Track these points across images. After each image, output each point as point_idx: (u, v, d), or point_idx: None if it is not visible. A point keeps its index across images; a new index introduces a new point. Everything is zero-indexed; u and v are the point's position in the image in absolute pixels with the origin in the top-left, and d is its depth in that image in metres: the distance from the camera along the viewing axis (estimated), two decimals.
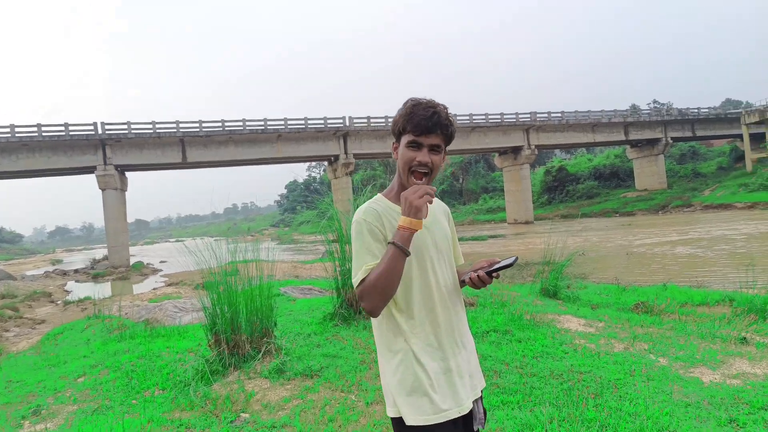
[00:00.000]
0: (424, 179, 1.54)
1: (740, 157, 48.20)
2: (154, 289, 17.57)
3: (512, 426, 2.82)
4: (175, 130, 35.29)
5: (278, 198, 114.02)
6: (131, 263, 32.36)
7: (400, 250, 1.41)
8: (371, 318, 1.58)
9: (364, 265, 1.47)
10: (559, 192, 54.99)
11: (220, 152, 37.38)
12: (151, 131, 34.74)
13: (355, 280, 1.48)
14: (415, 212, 1.42)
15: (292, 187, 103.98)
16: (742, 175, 44.34)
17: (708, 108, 53.37)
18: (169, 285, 17.88)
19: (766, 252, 16.16)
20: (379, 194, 1.65)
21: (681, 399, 3.12)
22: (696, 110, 51.83)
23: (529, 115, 45.48)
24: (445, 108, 1.56)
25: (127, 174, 36.90)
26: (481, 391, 1.65)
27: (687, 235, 23.30)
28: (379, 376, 3.77)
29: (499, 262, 1.56)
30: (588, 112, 47.81)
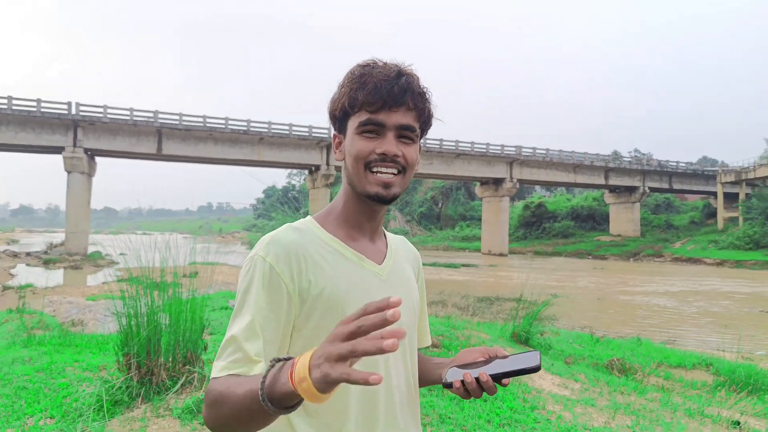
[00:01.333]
0: (392, 180, 0.92)
1: (712, 214, 49.21)
2: (104, 283, 16.52)
3: None
4: (153, 120, 34.26)
5: (254, 202, 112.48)
6: (88, 252, 30.93)
7: (264, 403, 0.69)
8: None
9: (234, 360, 0.83)
10: (536, 228, 55.22)
11: (198, 148, 36.42)
12: (128, 118, 33.65)
13: (215, 370, 0.84)
14: (324, 382, 0.63)
15: (270, 192, 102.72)
16: (712, 231, 45.20)
17: (686, 163, 54.66)
18: (121, 281, 16.84)
19: (738, 312, 16.02)
20: (308, 217, 1.00)
21: None
22: (675, 163, 53.02)
23: (514, 149, 45.76)
24: (414, 72, 0.93)
25: (98, 159, 35.58)
26: None
27: (658, 286, 23.22)
28: None
29: (507, 357, 0.93)
30: (572, 152, 48.41)
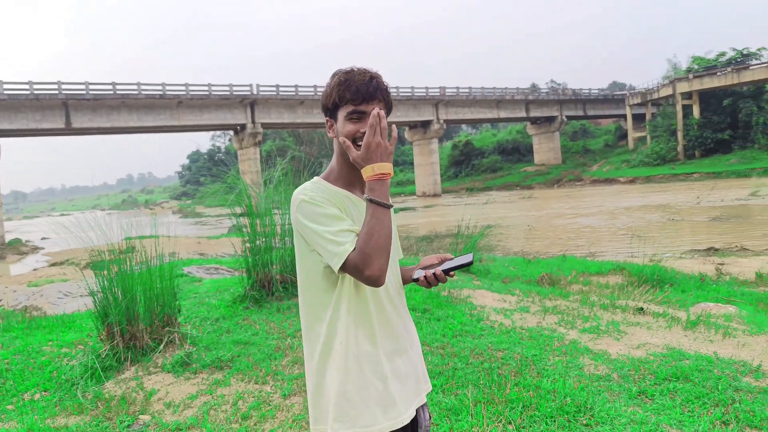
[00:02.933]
0: None
1: (624, 136, 52.70)
2: (34, 270, 15.86)
3: (437, 412, 2.75)
4: (56, 92, 31.72)
5: (179, 169, 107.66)
6: (6, 240, 29.01)
7: (381, 205, 1.25)
8: (305, 315, 1.37)
9: (346, 231, 1.27)
10: (465, 166, 56.95)
11: (111, 118, 34.25)
12: (28, 92, 30.94)
13: (342, 250, 1.25)
14: (387, 155, 1.27)
15: (194, 157, 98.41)
16: (625, 152, 48.60)
17: (597, 89, 57.62)
18: (53, 265, 16.23)
19: (646, 223, 17.84)
20: (316, 177, 1.43)
21: (593, 372, 3.23)
22: (588, 91, 55.76)
23: (438, 90, 46.30)
24: (380, 74, 1.37)
25: (1, 140, 32.75)
26: (426, 396, 1.49)
27: (580, 208, 25.13)
28: (296, 363, 3.54)
29: (452, 258, 1.41)
30: (493, 88, 49.62)
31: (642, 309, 4.71)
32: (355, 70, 1.35)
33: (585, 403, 2.76)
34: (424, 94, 45.35)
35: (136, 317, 3.86)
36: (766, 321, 4.86)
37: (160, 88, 35.48)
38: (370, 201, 1.25)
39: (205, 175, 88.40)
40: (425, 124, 46.52)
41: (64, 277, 10.70)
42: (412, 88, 45.13)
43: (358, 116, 1.34)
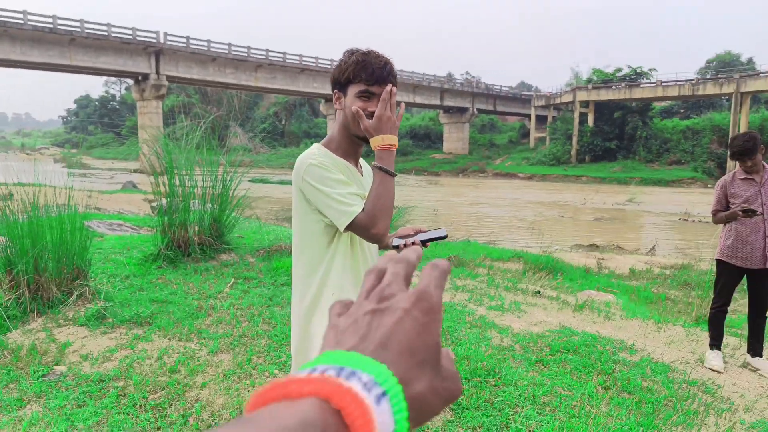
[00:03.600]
0: None
1: (527, 134, 56.11)
2: None
3: None
4: None
5: (64, 113, 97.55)
6: None
7: (388, 173, 1.40)
8: (300, 268, 1.49)
9: (353, 194, 1.41)
10: None
11: None
12: None
13: (351, 210, 1.38)
14: (395, 128, 1.41)
15: (83, 102, 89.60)
16: (526, 149, 51.81)
17: (508, 87, 60.60)
18: None
19: (540, 218, 19.37)
20: (317, 144, 1.54)
21: (500, 344, 3.60)
22: (499, 87, 58.49)
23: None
24: (392, 61, 1.51)
25: None
26: None
27: (481, 198, 26.59)
28: (221, 323, 3.56)
29: (426, 231, 1.57)
30: (412, 72, 50.32)
31: (539, 292, 5.24)
32: (372, 52, 1.47)
33: (494, 368, 3.10)
34: None
35: (45, 268, 3.63)
36: (638, 308, 5.64)
37: (50, 20, 31.80)
38: (379, 168, 1.38)
39: (96, 124, 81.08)
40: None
41: None
42: (332, 60, 44.42)
43: (369, 95, 1.45)
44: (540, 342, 3.69)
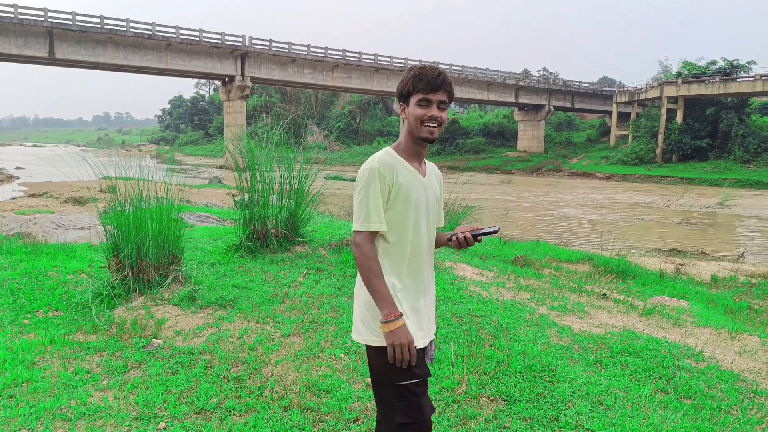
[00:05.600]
0: (434, 130, 1.71)
1: (607, 132, 53.54)
2: (12, 198, 15.70)
3: None
4: (42, 19, 30.58)
5: (160, 113, 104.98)
6: None
7: (381, 309, 1.64)
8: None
9: (369, 222, 1.65)
10: (449, 144, 57.19)
11: (96, 52, 33.22)
12: (12, 15, 29.73)
13: (359, 225, 1.65)
14: (388, 337, 1.64)
15: (176, 103, 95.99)
16: (605, 148, 49.46)
17: (588, 83, 58.05)
18: (32, 196, 16.06)
19: (617, 219, 18.57)
20: (388, 148, 1.78)
21: (558, 342, 3.66)
22: (578, 83, 56.16)
23: (433, 64, 45.99)
24: (445, 71, 1.74)
25: None
26: (434, 334, 1.87)
27: (556, 198, 25.82)
28: (293, 309, 3.89)
29: (482, 228, 1.76)
30: (486, 69, 49.56)
31: (605, 295, 5.18)
32: (427, 66, 1.73)
33: (549, 365, 3.18)
34: None
35: (147, 254, 4.13)
36: (713, 317, 5.41)
37: (149, 27, 34.48)
38: (390, 321, 1.63)
39: (187, 123, 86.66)
40: None
41: (47, 208, 10.73)
42: (406, 59, 44.83)
43: (426, 103, 1.70)
44: (600, 343, 3.70)
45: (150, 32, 34.40)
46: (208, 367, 3.00)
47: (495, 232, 1.74)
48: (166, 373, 2.94)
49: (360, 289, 1.75)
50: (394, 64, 44.03)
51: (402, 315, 1.64)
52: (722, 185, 31.54)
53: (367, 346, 1.74)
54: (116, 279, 4.04)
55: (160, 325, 3.55)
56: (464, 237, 1.73)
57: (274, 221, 5.68)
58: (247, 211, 5.64)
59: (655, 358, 3.51)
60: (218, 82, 44.17)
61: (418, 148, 1.77)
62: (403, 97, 1.75)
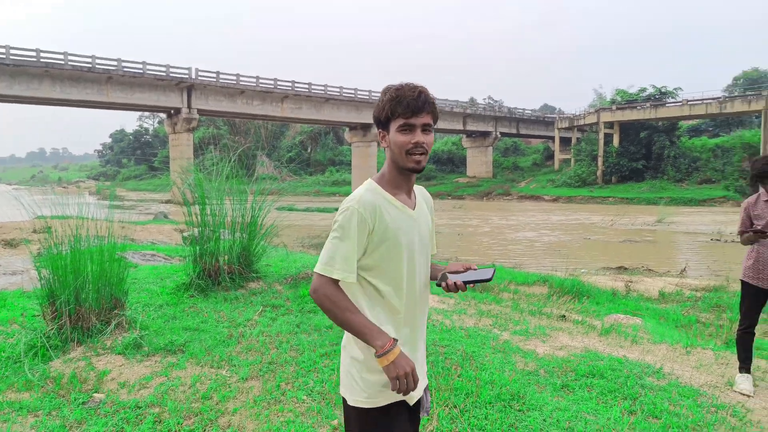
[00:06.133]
0: (421, 159, 1.53)
1: (551, 156, 55.80)
2: None
3: None
4: None
5: (100, 147, 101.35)
6: None
7: (372, 345, 1.44)
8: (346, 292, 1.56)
9: (331, 268, 1.47)
10: None
11: (32, 87, 31.88)
12: None
13: (320, 268, 1.47)
14: (387, 370, 1.43)
15: (118, 136, 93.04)
16: (550, 171, 51.47)
17: (531, 110, 60.58)
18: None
19: (566, 240, 19.14)
20: (371, 180, 1.59)
21: (524, 368, 3.62)
22: (522, 110, 58.52)
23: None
24: (426, 89, 1.55)
25: None
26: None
27: (507, 221, 26.42)
28: (250, 350, 3.67)
29: (475, 270, 1.61)
30: (434, 99, 50.74)
31: (564, 316, 5.22)
32: (405, 86, 1.52)
33: (518, 393, 3.12)
34: (367, 97, 45.72)
35: (86, 299, 3.82)
36: (666, 332, 5.54)
37: (89, 60, 33.43)
38: (376, 354, 1.44)
39: (130, 157, 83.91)
40: (366, 127, 46.88)
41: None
42: (356, 89, 45.40)
43: (409, 128, 1.50)
44: (565, 366, 3.69)
45: (90, 65, 33.34)
46: (157, 421, 2.75)
47: (489, 279, 1.57)
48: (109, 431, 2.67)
49: (345, 338, 1.59)
50: (344, 95, 44.47)
51: (397, 341, 1.44)
52: (659, 203, 33.34)
53: (345, 402, 1.58)
54: (52, 328, 3.70)
55: (102, 377, 3.25)
56: (455, 284, 1.55)
57: (226, 257, 5.45)
58: (197, 247, 5.39)
59: (618, 379, 3.51)
60: (163, 115, 43.11)
61: (404, 179, 1.57)
62: (381, 123, 1.55)
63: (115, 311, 4.00)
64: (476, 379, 3.27)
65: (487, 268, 1.62)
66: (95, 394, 3.05)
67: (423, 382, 1.65)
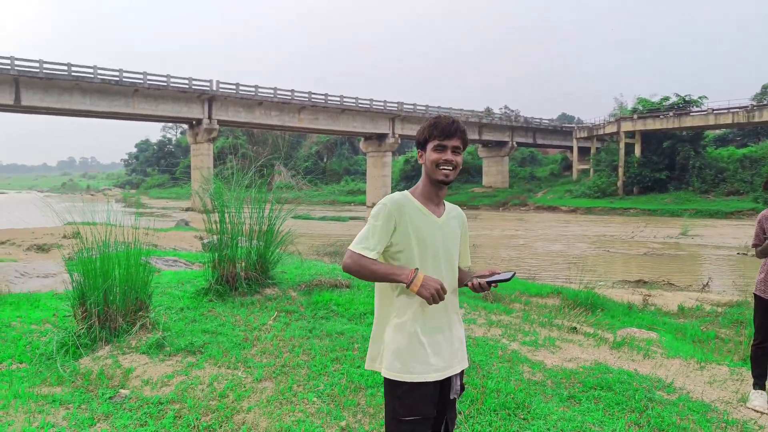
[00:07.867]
0: (449, 173, 1.86)
1: (569, 166, 55.29)
2: None
3: None
4: (8, 67, 30.23)
5: (126, 156, 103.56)
6: None
7: (400, 281, 1.75)
8: (377, 289, 1.91)
9: (365, 247, 1.79)
10: (416, 181, 56.77)
11: (63, 99, 32.86)
12: None
13: (353, 246, 1.80)
14: (419, 290, 1.72)
15: (143, 146, 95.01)
16: (568, 182, 50.95)
17: (548, 119, 60.23)
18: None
19: (584, 252, 19.00)
20: (406, 191, 1.94)
21: (531, 378, 3.69)
22: (538, 120, 58.19)
23: (396, 105, 47.03)
24: (460, 120, 1.92)
25: None
26: (463, 371, 1.95)
27: (522, 232, 26.30)
28: (264, 353, 3.83)
29: (499, 273, 1.87)
30: (449, 108, 50.91)
31: (575, 328, 5.27)
32: (442, 116, 1.92)
33: (523, 402, 3.21)
34: (382, 108, 45.98)
35: (113, 300, 4.03)
36: (682, 347, 5.53)
37: (116, 73, 34.41)
38: (405, 278, 1.74)
39: (154, 166, 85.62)
40: (381, 137, 47.15)
41: (9, 256, 10.34)
42: (371, 100, 45.71)
43: (442, 148, 1.86)
44: (573, 378, 3.74)
45: (117, 78, 34.31)
46: (178, 416, 2.91)
47: (509, 279, 1.84)
48: (134, 425, 2.84)
49: (381, 322, 1.88)
50: (360, 105, 44.85)
51: (417, 269, 1.75)
52: (683, 216, 32.67)
53: (385, 377, 1.85)
54: (82, 328, 3.91)
55: (127, 374, 3.44)
56: (479, 284, 1.85)
57: (243, 263, 5.63)
58: (216, 254, 5.58)
59: (627, 392, 3.54)
60: (186, 126, 44.03)
61: (435, 190, 1.91)
62: (421, 144, 1.92)
63: (140, 313, 4.20)
64: (482, 387, 3.37)
65: (507, 272, 1.89)
66: (121, 390, 3.23)
67: (450, 366, 1.88)
